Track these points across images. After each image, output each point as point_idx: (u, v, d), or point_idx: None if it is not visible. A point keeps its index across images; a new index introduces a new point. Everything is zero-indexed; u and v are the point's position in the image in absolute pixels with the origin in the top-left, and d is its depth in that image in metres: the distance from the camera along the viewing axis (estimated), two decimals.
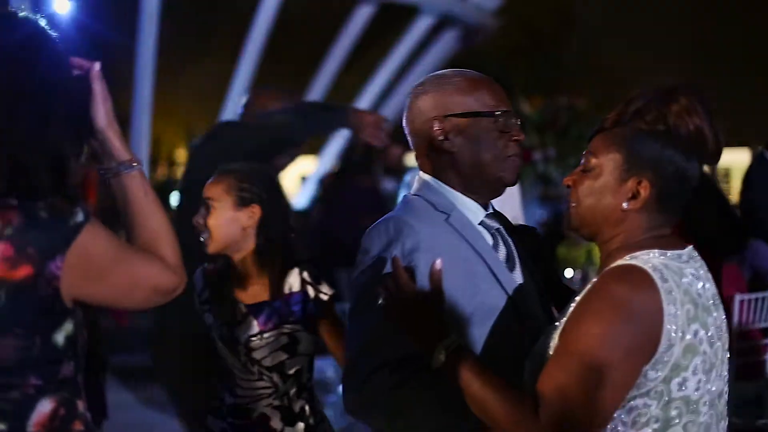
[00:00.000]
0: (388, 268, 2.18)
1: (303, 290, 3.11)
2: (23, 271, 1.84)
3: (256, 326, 3.08)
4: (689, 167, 2.07)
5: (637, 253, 2.02)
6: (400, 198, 5.22)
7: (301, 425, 3.09)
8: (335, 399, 5.67)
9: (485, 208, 2.40)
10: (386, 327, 2.14)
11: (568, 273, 6.09)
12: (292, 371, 3.09)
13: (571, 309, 2.02)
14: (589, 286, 2.03)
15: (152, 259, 1.97)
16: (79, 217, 1.88)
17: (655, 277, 1.97)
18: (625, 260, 2.01)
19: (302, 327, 3.10)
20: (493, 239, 2.37)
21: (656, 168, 2.05)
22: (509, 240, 2.41)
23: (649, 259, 2.00)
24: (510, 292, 2.31)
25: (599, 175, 2.08)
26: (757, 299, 5.57)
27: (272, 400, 3.08)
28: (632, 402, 1.96)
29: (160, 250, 1.99)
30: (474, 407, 2.01)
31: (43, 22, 1.97)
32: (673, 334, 1.95)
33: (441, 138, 2.34)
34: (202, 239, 3.13)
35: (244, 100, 4.64)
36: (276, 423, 3.07)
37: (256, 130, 4.17)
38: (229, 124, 4.91)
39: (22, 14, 1.96)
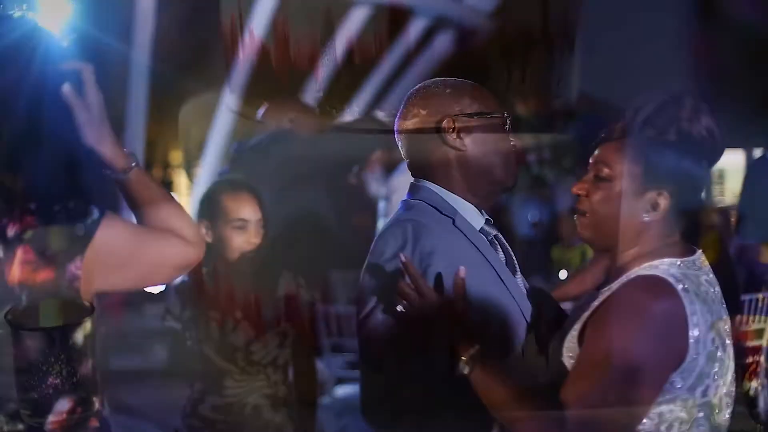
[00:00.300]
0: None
1: (297, 293, 3.16)
2: (44, 274, 1.87)
3: (252, 330, 3.10)
4: (702, 174, 2.09)
5: (655, 262, 2.03)
6: (382, 202, 5.20)
7: (284, 410, 3.16)
8: (328, 401, 5.66)
9: (481, 214, 2.40)
10: (405, 337, 2.11)
11: (563, 275, 6.09)
12: (282, 362, 3.16)
13: (585, 317, 2.02)
14: (606, 294, 2.03)
15: (170, 237, 2.00)
16: (95, 214, 1.91)
17: (678, 287, 1.98)
18: (644, 270, 2.02)
19: (291, 325, 3.19)
20: (492, 246, 2.37)
21: (674, 179, 2.06)
22: (507, 246, 2.42)
23: (668, 268, 2.01)
24: (516, 297, 2.31)
25: (614, 186, 2.08)
26: (751, 300, 5.58)
27: (264, 390, 3.14)
28: (658, 409, 1.97)
29: (176, 227, 2.01)
30: (499, 417, 2.01)
31: (38, 24, 1.97)
32: (698, 343, 1.97)
33: (454, 137, 2.33)
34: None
35: (262, 109, 4.65)
36: (267, 412, 3.13)
37: (323, 144, 4.18)
38: (287, 133, 4.94)
39: (16, 15, 1.96)
